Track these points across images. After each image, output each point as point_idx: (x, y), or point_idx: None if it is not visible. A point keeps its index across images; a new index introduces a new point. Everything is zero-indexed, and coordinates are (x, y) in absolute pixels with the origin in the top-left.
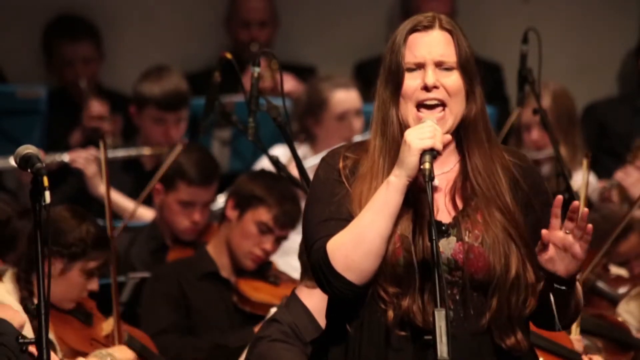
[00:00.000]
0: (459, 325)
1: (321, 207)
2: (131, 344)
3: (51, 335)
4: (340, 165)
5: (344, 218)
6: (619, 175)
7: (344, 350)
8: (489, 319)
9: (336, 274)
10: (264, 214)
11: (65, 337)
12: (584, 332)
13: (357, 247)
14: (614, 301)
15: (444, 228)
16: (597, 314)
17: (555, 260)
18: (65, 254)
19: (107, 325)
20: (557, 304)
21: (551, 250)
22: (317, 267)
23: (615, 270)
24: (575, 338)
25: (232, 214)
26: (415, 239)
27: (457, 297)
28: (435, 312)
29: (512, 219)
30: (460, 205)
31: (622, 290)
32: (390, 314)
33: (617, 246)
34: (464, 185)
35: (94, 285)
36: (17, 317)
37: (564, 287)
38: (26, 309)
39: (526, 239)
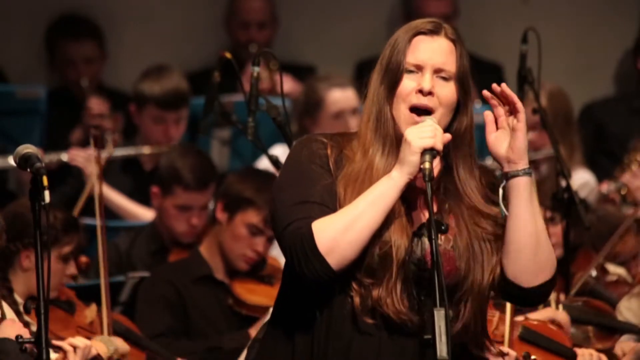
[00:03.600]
0: (417, 328)
1: (303, 188)
2: (116, 327)
3: None
4: (328, 151)
5: (328, 206)
6: (626, 177)
7: (310, 338)
8: (461, 327)
9: (318, 255)
10: (253, 216)
11: (52, 328)
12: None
13: (345, 232)
14: (611, 303)
15: (423, 230)
16: (582, 301)
17: (500, 138)
18: None
19: (90, 312)
20: (508, 198)
21: (498, 132)
22: (297, 246)
23: (614, 269)
24: (562, 316)
25: (222, 216)
26: (395, 234)
27: (422, 298)
28: (435, 312)
29: (485, 229)
30: (435, 208)
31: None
32: (357, 300)
33: (614, 247)
34: (438, 189)
35: (72, 269)
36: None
37: (512, 172)
38: (25, 309)
39: (496, 250)
